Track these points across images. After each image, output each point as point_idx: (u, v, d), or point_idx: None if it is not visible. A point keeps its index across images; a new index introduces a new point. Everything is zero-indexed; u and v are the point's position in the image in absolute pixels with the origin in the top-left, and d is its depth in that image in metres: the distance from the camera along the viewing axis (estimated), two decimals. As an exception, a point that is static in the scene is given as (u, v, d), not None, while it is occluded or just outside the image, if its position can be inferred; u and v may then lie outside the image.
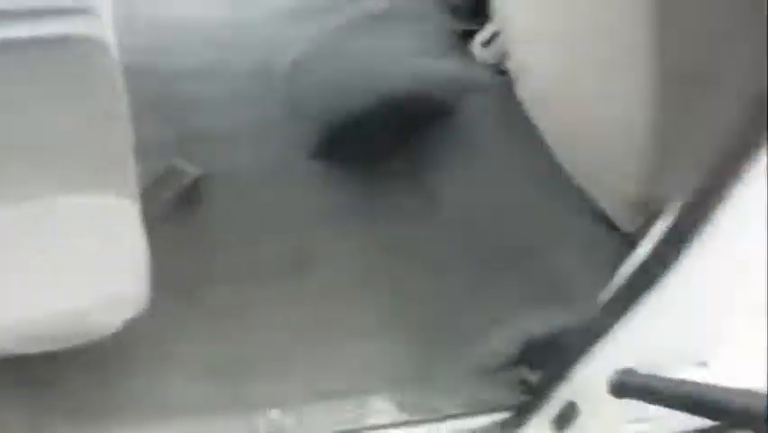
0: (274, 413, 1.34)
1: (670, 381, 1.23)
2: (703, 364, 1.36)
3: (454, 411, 1.41)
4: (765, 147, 0.85)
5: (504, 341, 1.42)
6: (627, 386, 1.24)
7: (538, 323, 1.40)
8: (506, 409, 1.44)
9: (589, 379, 1.31)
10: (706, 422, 1.64)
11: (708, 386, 1.18)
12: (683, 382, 1.25)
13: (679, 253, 1.02)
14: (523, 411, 1.42)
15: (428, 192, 1.63)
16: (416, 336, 1.46)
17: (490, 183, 1.55)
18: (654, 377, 1.23)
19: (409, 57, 1.72)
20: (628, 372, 1.26)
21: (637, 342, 1.23)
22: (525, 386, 1.42)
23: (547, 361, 1.36)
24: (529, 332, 1.41)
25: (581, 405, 1.38)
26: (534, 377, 1.42)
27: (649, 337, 1.23)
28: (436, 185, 1.63)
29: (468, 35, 1.79)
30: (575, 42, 1.26)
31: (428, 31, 1.77)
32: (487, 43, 1.74)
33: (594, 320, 1.22)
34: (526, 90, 1.51)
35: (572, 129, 1.37)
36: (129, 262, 1.11)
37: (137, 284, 1.11)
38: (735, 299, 1.16)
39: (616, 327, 1.18)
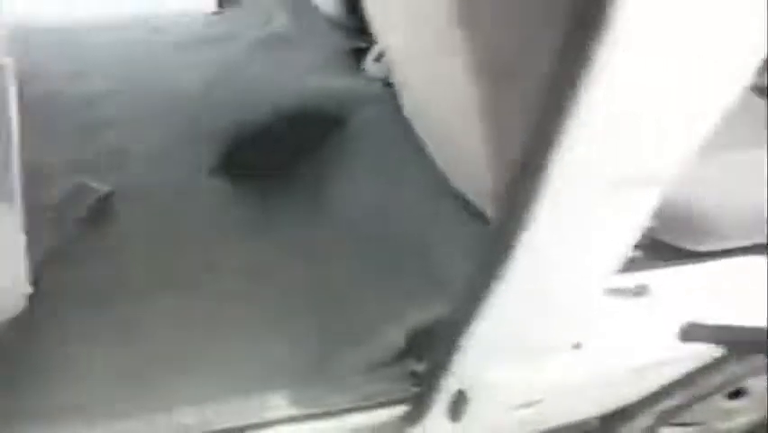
0: (176, 411, 1.40)
1: (728, 326, 1.36)
2: (577, 347, 1.44)
3: (350, 406, 1.47)
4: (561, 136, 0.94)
5: (391, 335, 1.49)
6: (693, 333, 1.39)
7: (422, 315, 1.47)
8: (402, 402, 1.51)
9: (471, 366, 1.38)
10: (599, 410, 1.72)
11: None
12: (740, 327, 1.37)
13: (511, 244, 1.10)
14: (417, 404, 1.49)
15: (323, 201, 1.70)
16: (312, 335, 1.53)
17: (379, 189, 1.62)
18: (716, 325, 1.39)
19: (305, 75, 1.80)
20: (693, 323, 1.41)
21: (505, 328, 1.30)
22: (416, 378, 1.49)
23: (431, 352, 1.43)
24: (413, 324, 1.48)
25: (469, 393, 1.45)
26: (422, 368, 1.48)
27: (513, 323, 1.30)
28: (330, 194, 1.71)
29: (361, 52, 1.88)
30: (424, 57, 1.35)
31: (323, 50, 1.86)
32: (377, 59, 1.83)
33: (461, 309, 1.29)
34: (407, 102, 1.60)
35: (440, 137, 1.45)
36: (8, 264, 1.17)
37: (15, 284, 1.17)
38: (579, 282, 1.23)
39: (478, 315, 1.25)
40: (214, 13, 2.21)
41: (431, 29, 1.19)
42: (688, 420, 1.95)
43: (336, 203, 1.68)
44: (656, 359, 1.55)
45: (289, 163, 1.76)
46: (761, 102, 1.73)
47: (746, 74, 0.97)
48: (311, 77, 1.79)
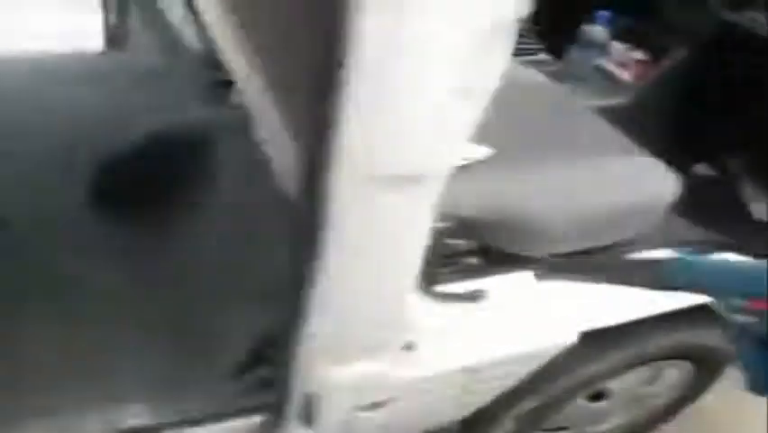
0: (36, 421, 1.46)
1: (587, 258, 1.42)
2: (410, 347, 1.52)
3: (207, 415, 1.55)
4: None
5: (241, 344, 1.58)
6: (554, 268, 1.43)
7: (269, 322, 1.55)
8: (258, 410, 1.58)
9: (314, 368, 1.44)
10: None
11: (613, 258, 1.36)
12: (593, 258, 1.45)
13: (315, 245, 1.19)
14: (273, 411, 1.56)
15: (185, 224, 1.80)
16: (168, 348, 1.61)
17: (233, 210, 1.73)
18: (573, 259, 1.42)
19: (175, 109, 1.91)
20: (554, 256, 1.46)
21: (332, 328, 1.38)
22: (269, 385, 1.56)
23: (279, 357, 1.51)
24: (262, 332, 1.57)
25: (319, 395, 1.52)
26: (273, 375, 1.56)
27: (339, 323, 1.37)
28: (191, 216, 1.80)
29: (229, 84, 1.99)
30: (250, 81, 1.47)
31: (194, 85, 1.97)
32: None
33: (293, 312, 1.38)
34: (259, 129, 1.71)
35: (273, 152, 1.55)
36: None
37: None
38: (385, 282, 1.32)
39: (306, 316, 1.33)
40: (102, 54, 2.32)
41: (245, 54, 1.30)
42: (555, 425, 2.04)
43: (196, 225, 1.78)
44: (499, 359, 1.63)
45: (157, 191, 1.85)
46: (596, 117, 1.85)
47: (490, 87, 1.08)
48: (181, 110, 1.90)
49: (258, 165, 1.69)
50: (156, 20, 2.12)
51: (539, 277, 1.55)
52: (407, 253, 1.25)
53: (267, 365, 1.57)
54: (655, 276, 0.91)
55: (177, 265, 1.74)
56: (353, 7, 0.96)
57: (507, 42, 1.03)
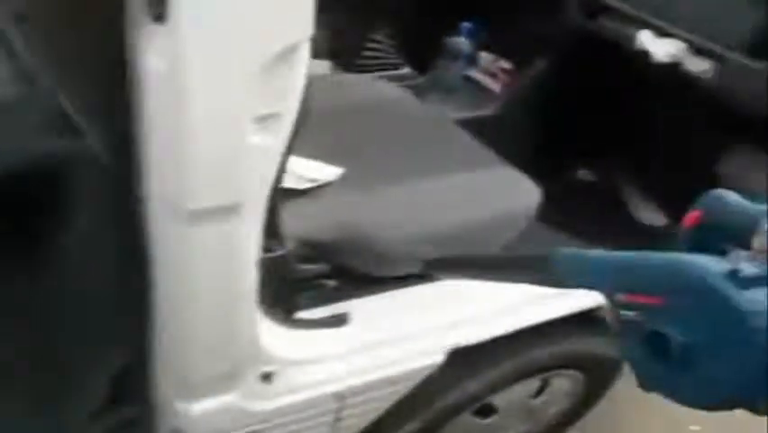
0: None
1: (468, 255, 1.38)
2: (268, 378, 1.49)
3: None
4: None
5: (100, 383, 1.52)
6: (434, 264, 1.38)
7: (125, 359, 1.51)
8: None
9: (173, 401, 1.41)
10: None
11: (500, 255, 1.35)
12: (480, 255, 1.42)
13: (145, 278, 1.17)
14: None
15: (43, 260, 1.74)
16: (26, 393, 1.56)
17: (93, 242, 1.67)
18: (456, 255, 1.37)
19: (30, 139, 1.85)
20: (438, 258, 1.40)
21: (183, 360, 1.36)
22: (134, 424, 1.52)
23: (138, 393, 1.47)
24: (121, 370, 1.52)
25: (185, 430, 1.49)
26: (136, 413, 1.52)
27: (188, 355, 1.35)
28: (49, 252, 1.74)
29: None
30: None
31: (51, 114, 1.91)
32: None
33: (142, 347, 1.35)
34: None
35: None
36: None
37: None
38: (223, 313, 1.30)
39: (154, 350, 1.31)
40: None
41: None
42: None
43: (53, 260, 1.72)
44: (365, 383, 1.60)
45: (12, 227, 1.79)
46: (457, 130, 1.85)
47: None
48: (36, 140, 1.84)
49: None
50: (9, 49, 2.06)
51: (421, 272, 1.51)
52: (237, 282, 1.23)
53: (127, 404, 1.52)
54: (541, 272, 0.88)
55: (28, 307, 1.68)
56: (139, 49, 0.95)
57: (302, 64, 1.02)
